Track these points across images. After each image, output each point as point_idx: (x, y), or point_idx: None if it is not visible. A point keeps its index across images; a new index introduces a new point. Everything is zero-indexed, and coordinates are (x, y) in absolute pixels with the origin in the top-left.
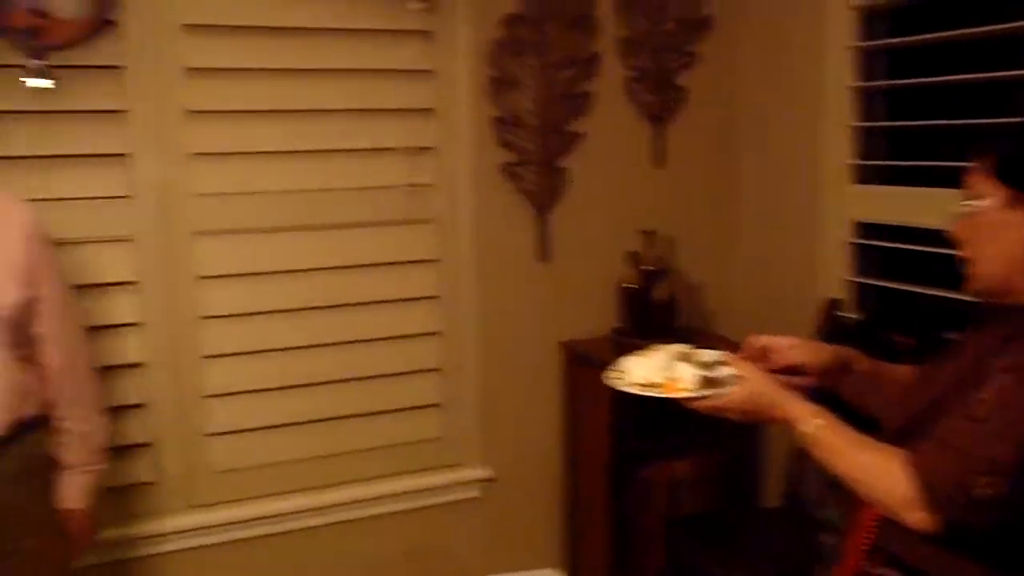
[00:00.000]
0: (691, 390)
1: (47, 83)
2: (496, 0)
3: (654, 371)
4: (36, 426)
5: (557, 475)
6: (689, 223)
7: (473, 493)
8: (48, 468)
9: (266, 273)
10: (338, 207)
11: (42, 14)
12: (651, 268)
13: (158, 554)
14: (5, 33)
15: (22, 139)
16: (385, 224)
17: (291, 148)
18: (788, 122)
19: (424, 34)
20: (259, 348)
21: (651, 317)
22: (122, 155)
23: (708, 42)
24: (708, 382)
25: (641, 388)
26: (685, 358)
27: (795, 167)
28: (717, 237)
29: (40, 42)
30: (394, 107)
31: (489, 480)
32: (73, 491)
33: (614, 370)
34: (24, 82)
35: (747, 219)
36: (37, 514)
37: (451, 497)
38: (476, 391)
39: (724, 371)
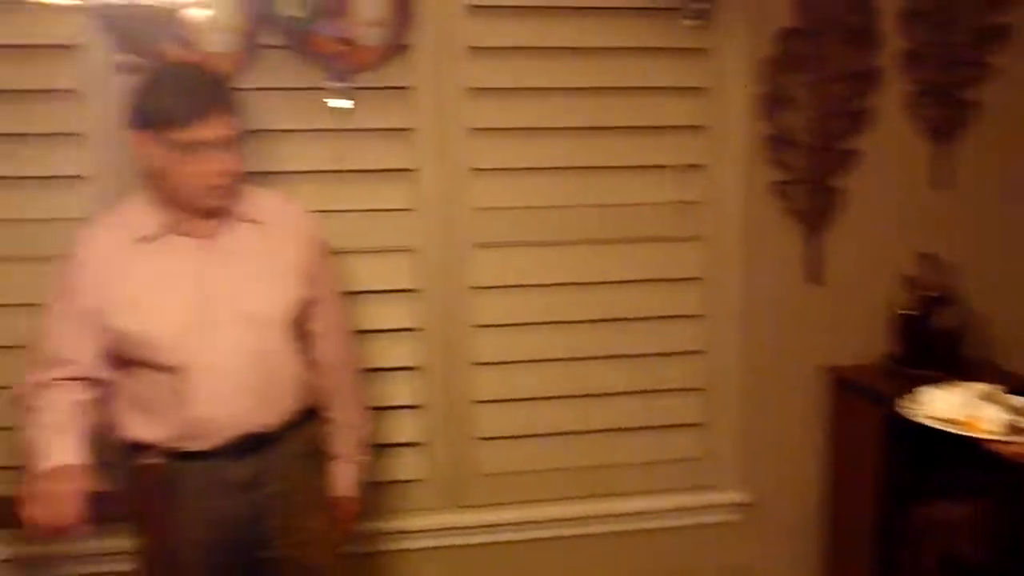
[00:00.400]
0: (996, 432)
1: (347, 104)
2: (771, 15)
3: (955, 407)
4: (313, 416)
5: (817, 505)
6: (977, 247)
7: (729, 517)
8: (322, 456)
9: (537, 285)
10: (607, 222)
11: (347, 42)
12: (932, 294)
13: (420, 549)
14: (312, 58)
15: (318, 155)
16: (652, 240)
17: (564, 164)
18: None
19: (697, 51)
20: (528, 358)
21: (931, 346)
22: (408, 170)
23: (1005, 53)
24: (1015, 428)
25: (940, 423)
26: (990, 398)
27: None
28: (1009, 263)
29: (343, 66)
30: (666, 124)
31: (746, 505)
32: (342, 479)
33: (910, 400)
34: (327, 103)
35: None
36: (318, 496)
37: (706, 519)
38: (737, 412)
39: None
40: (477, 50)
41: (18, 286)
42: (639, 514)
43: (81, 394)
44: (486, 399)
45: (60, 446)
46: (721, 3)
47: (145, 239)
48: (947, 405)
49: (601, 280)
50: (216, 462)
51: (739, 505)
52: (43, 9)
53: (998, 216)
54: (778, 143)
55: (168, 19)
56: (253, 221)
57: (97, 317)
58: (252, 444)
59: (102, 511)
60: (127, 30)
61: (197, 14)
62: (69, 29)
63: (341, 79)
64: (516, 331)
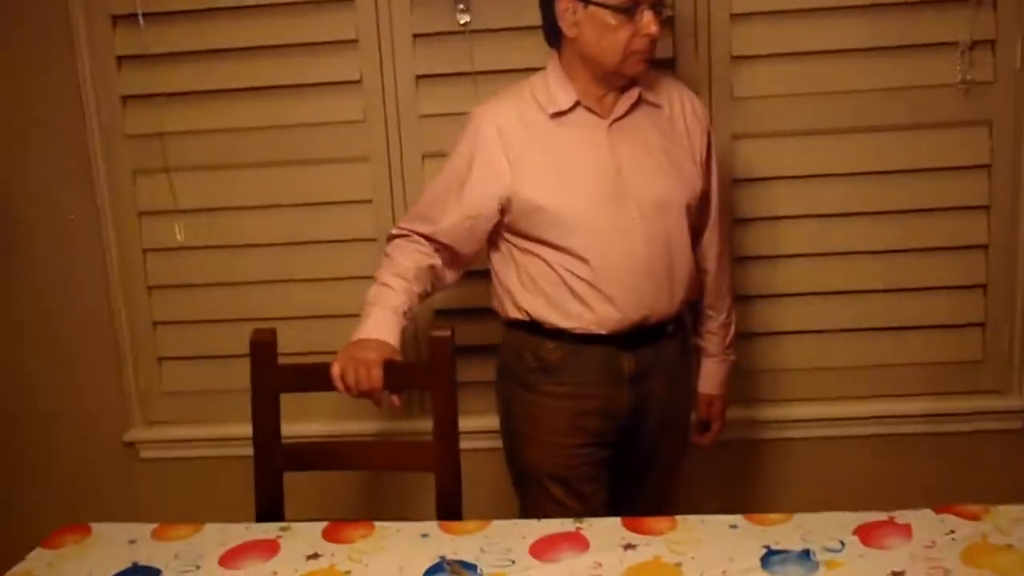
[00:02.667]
0: None
1: None
2: None
3: None
4: (689, 312)
5: None
6: None
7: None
8: (692, 353)
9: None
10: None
11: None
12: None
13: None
14: None
15: None
16: (936, 127)
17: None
18: None
19: None
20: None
21: None
22: None
23: None
24: None
25: None
26: None
27: None
28: None
29: None
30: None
31: None
32: (714, 378)
33: None
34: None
35: None
36: (691, 392)
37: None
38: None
39: None
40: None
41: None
42: (916, 417)
43: (429, 258)
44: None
45: (376, 321)
46: None
47: (559, 114)
48: None
49: (892, 169)
50: (609, 349)
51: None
52: None
53: None
54: None
55: None
56: (655, 105)
57: (488, 198)
58: (645, 335)
59: (403, 380)
60: None
61: None
62: None
63: None
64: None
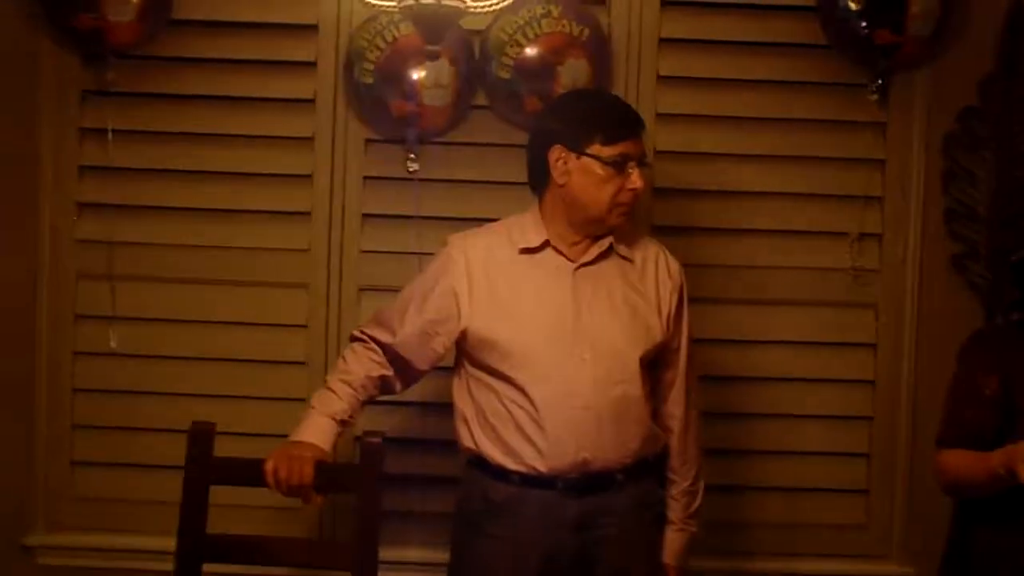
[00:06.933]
0: None
1: None
2: (953, 95)
3: None
4: (651, 468)
5: None
6: None
7: None
8: (658, 515)
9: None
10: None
11: None
12: None
13: None
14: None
15: None
16: (827, 305)
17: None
18: None
19: (877, 125)
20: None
21: None
22: None
23: None
24: None
25: None
26: None
27: None
28: None
29: None
30: (842, 193)
31: None
32: (669, 547)
33: None
34: None
35: None
36: (648, 551)
37: None
38: (903, 479)
39: None
40: (664, 116)
41: None
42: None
43: (381, 368)
44: None
45: (314, 425)
46: (904, 81)
47: (528, 250)
48: None
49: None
50: (555, 495)
51: None
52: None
53: None
54: (957, 217)
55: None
56: (624, 258)
57: (445, 318)
58: (592, 483)
59: (333, 480)
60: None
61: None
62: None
63: None
64: None
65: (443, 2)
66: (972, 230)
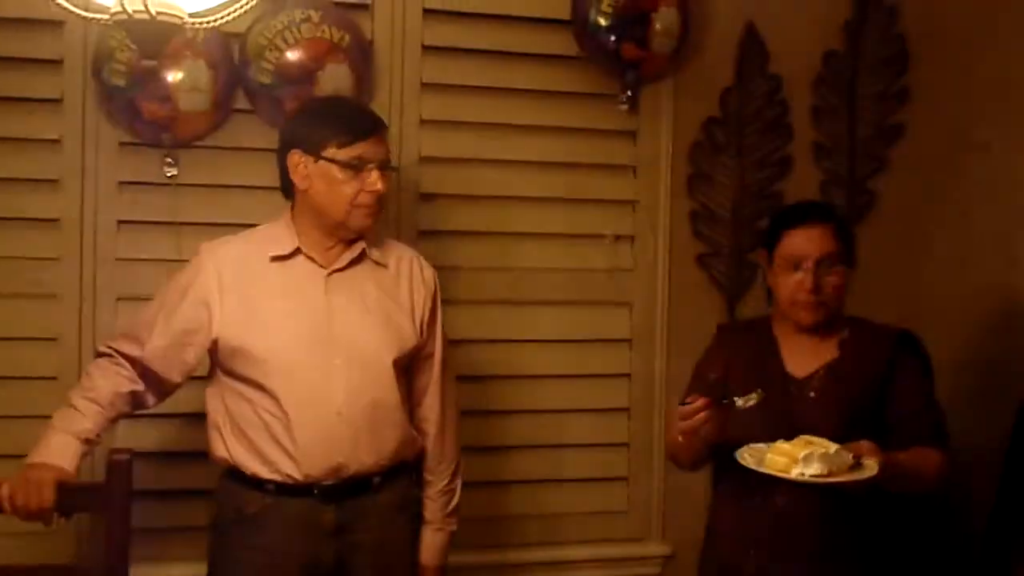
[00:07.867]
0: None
1: None
2: (696, 106)
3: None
4: (408, 471)
5: None
6: None
7: (653, 569)
8: (415, 515)
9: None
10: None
11: None
12: None
13: None
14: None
15: None
16: (585, 304)
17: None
18: (981, 229)
19: (628, 133)
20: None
21: None
22: None
23: (900, 148)
24: None
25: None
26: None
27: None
28: None
29: None
30: (598, 197)
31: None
32: (428, 548)
33: None
34: None
35: (932, 322)
36: (408, 552)
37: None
38: (660, 467)
39: None
40: (427, 123)
41: None
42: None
43: (130, 384)
44: None
45: (55, 445)
46: (652, 92)
47: (279, 258)
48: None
49: (538, 338)
50: (309, 502)
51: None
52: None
53: (888, 296)
54: (702, 219)
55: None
56: (378, 263)
57: (196, 328)
58: (347, 488)
59: (77, 501)
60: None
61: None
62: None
63: None
64: None
65: (158, 16)
66: (715, 231)
